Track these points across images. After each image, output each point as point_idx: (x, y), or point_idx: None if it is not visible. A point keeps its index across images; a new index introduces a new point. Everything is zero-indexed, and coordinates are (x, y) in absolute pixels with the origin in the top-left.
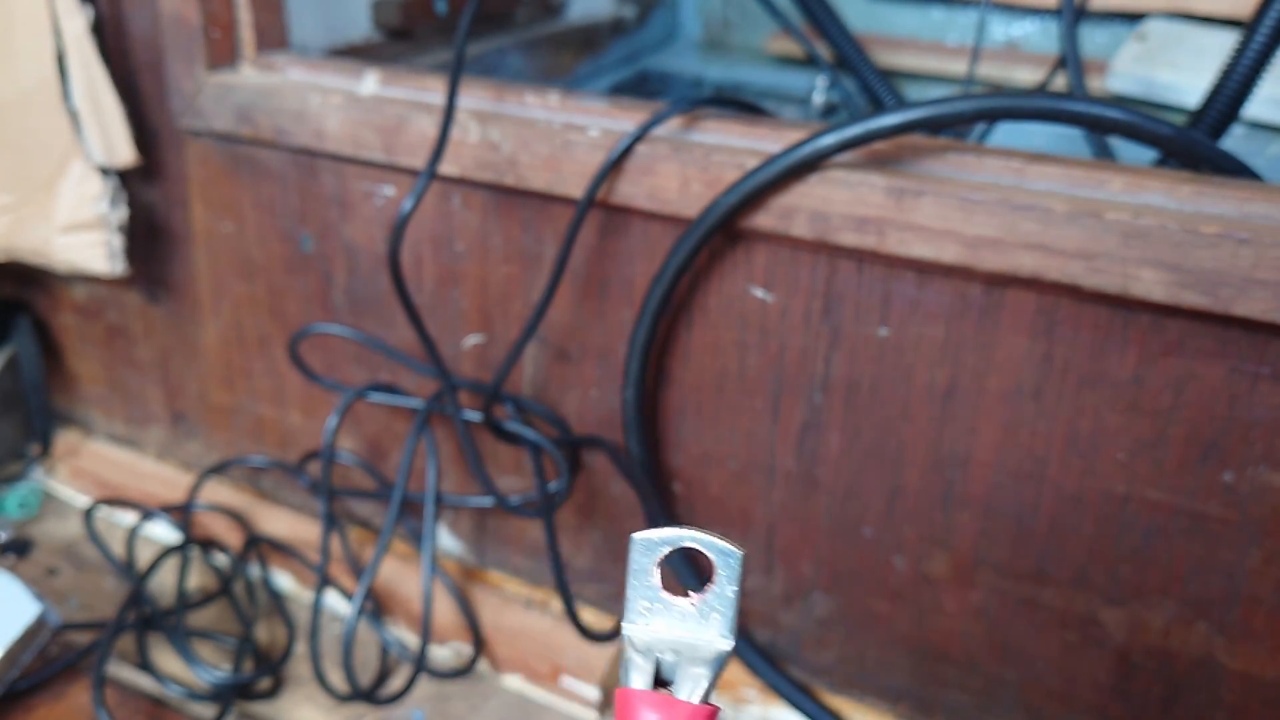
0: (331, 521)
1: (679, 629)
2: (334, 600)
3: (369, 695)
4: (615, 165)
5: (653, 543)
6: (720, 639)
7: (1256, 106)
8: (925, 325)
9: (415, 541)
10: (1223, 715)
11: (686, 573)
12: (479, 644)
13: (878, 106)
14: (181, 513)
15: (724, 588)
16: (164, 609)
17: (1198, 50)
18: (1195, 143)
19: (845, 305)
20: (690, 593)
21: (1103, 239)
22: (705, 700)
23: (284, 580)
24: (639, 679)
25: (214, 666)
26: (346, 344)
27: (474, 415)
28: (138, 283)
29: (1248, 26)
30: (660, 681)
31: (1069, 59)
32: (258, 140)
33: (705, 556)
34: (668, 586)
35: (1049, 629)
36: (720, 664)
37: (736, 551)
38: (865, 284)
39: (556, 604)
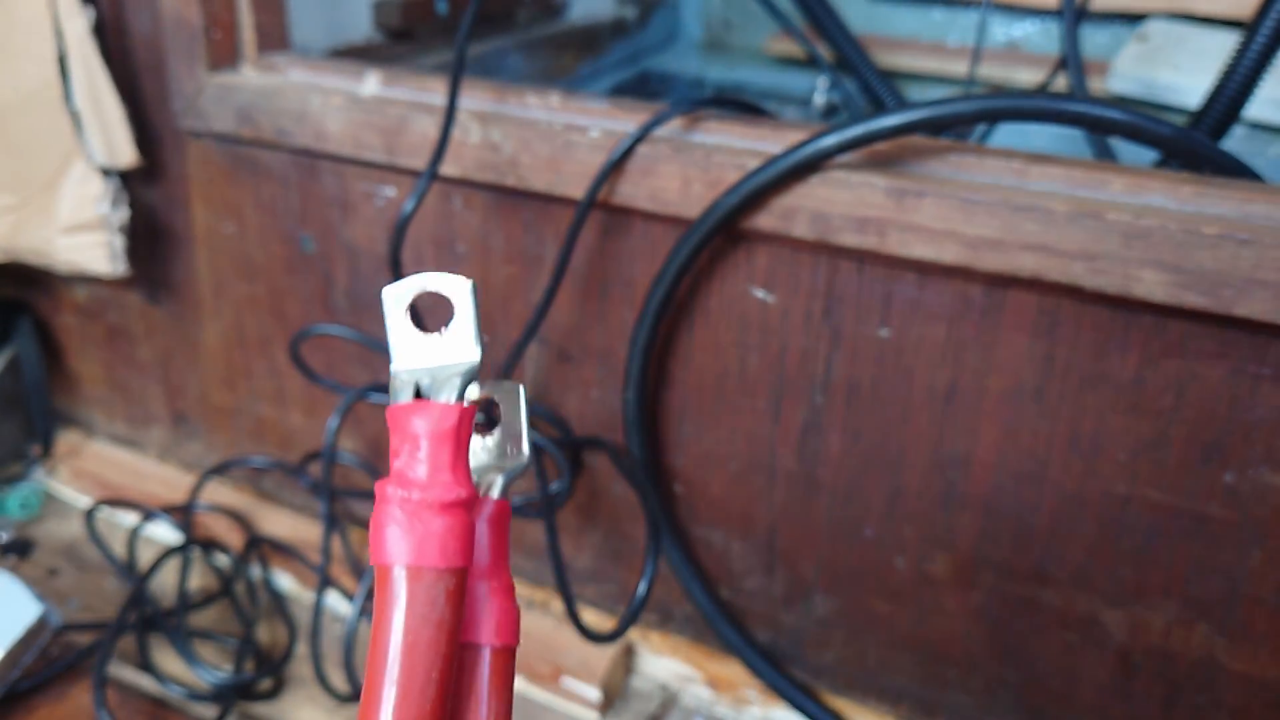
0: (333, 522)
1: (434, 357)
2: (335, 601)
3: None
4: (616, 166)
5: (394, 294)
6: (469, 354)
7: (1257, 107)
8: (926, 326)
9: None
10: (1223, 716)
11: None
12: None
13: (878, 107)
14: (183, 513)
15: (462, 315)
16: (165, 610)
17: (1198, 51)
18: (1196, 143)
19: (846, 306)
20: (441, 329)
21: (1104, 240)
22: (457, 402)
23: (285, 581)
24: (403, 397)
25: (215, 667)
26: (347, 345)
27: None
28: (139, 283)
29: (1248, 27)
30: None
31: (1070, 60)
32: (259, 141)
33: (443, 298)
34: (417, 324)
35: (1050, 629)
36: (470, 374)
37: (466, 281)
38: (866, 285)
39: (557, 605)
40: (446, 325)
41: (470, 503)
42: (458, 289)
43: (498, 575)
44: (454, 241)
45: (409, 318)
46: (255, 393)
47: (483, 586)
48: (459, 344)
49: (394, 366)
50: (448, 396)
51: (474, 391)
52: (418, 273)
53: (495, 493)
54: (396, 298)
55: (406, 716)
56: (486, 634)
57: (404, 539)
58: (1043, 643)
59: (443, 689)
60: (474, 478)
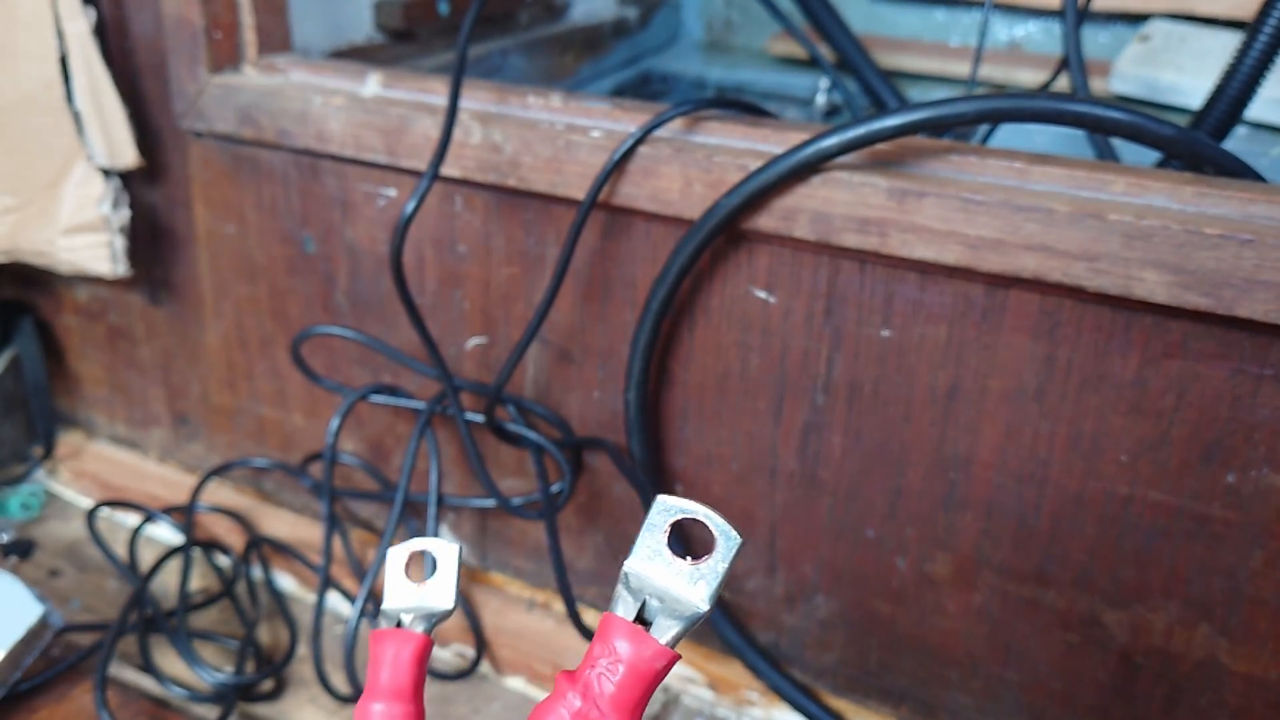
0: (334, 523)
1: (670, 582)
2: (336, 601)
3: None
4: (617, 167)
5: (673, 507)
6: (701, 601)
7: (1259, 108)
8: (927, 326)
9: None
10: (1225, 717)
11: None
12: (481, 646)
13: (880, 108)
14: (184, 514)
15: (718, 563)
16: (166, 610)
17: (1200, 52)
18: (1198, 144)
19: (847, 306)
20: (689, 558)
21: (1105, 240)
22: (672, 647)
23: (286, 581)
24: (624, 610)
25: (216, 668)
26: (348, 345)
27: (476, 417)
28: (140, 284)
29: (1250, 28)
30: (640, 620)
31: (1071, 60)
32: (260, 142)
33: (710, 533)
34: (672, 547)
35: (1051, 630)
36: (693, 622)
37: (737, 538)
38: (867, 285)
39: (559, 605)
40: (697, 561)
41: None
42: (727, 540)
43: (416, 702)
44: (455, 242)
45: (667, 533)
46: (256, 394)
47: (401, 710)
48: (699, 588)
49: (629, 566)
50: (664, 635)
51: (418, 545)
52: (419, 537)
53: (420, 629)
54: (666, 510)
55: None
56: None
57: None
58: (1044, 643)
59: None
60: (405, 616)
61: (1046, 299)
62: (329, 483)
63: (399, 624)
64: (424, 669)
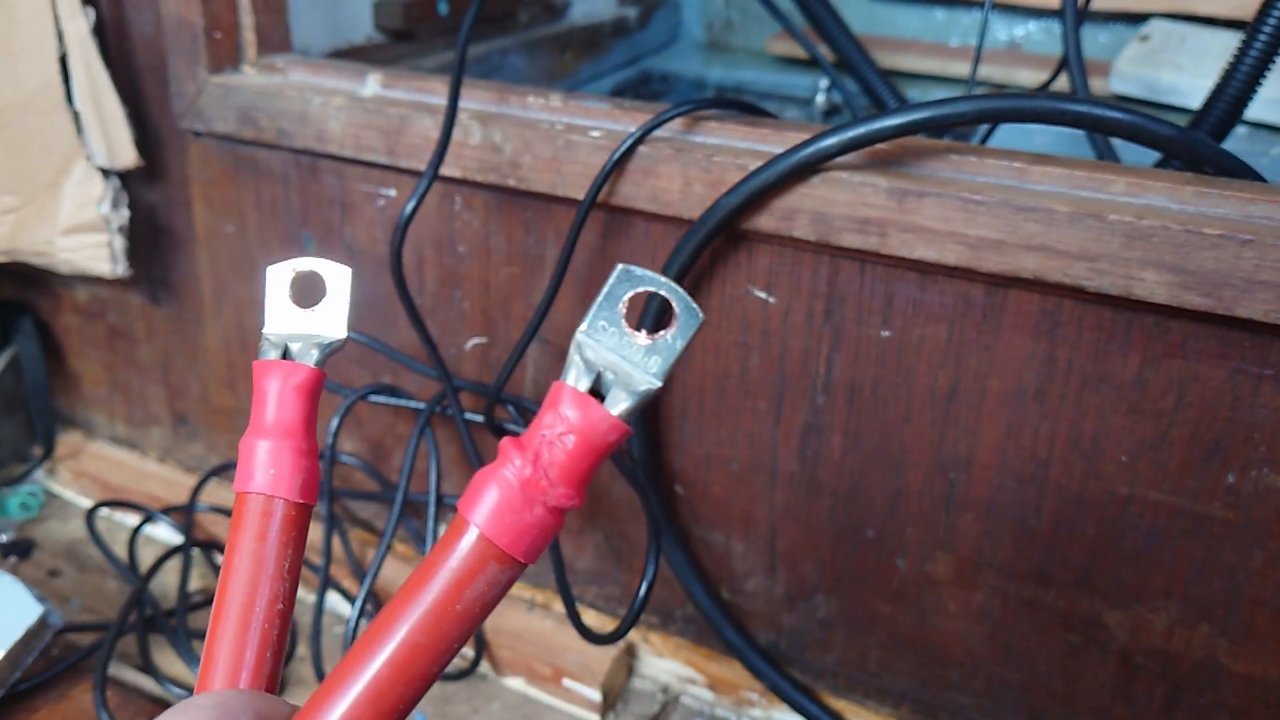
0: (333, 523)
1: (623, 355)
2: (336, 602)
3: None
4: (617, 166)
5: (634, 277)
6: (654, 377)
7: (1259, 108)
8: (928, 327)
9: (417, 543)
10: (1225, 717)
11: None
12: (481, 646)
13: (880, 108)
14: (183, 514)
15: (675, 339)
16: (166, 610)
17: (1200, 51)
18: (1198, 144)
19: (847, 307)
20: (644, 331)
21: (1105, 240)
22: (625, 422)
23: None
24: (576, 378)
25: None
26: (348, 345)
27: (476, 417)
28: (140, 284)
29: (1250, 28)
30: (594, 394)
31: (1071, 60)
32: (260, 142)
33: (671, 308)
34: (629, 320)
35: (1051, 630)
36: (645, 397)
37: (699, 315)
38: (867, 285)
39: (558, 606)
40: (655, 335)
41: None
42: (688, 316)
43: (306, 438)
44: (455, 242)
45: (625, 305)
46: None
47: (289, 446)
48: (653, 363)
49: (582, 336)
50: (614, 407)
51: (302, 264)
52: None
53: (311, 362)
54: (628, 279)
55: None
56: (289, 490)
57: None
58: (1044, 644)
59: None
60: (292, 345)
61: (1046, 299)
62: (329, 483)
63: (285, 354)
64: (315, 405)
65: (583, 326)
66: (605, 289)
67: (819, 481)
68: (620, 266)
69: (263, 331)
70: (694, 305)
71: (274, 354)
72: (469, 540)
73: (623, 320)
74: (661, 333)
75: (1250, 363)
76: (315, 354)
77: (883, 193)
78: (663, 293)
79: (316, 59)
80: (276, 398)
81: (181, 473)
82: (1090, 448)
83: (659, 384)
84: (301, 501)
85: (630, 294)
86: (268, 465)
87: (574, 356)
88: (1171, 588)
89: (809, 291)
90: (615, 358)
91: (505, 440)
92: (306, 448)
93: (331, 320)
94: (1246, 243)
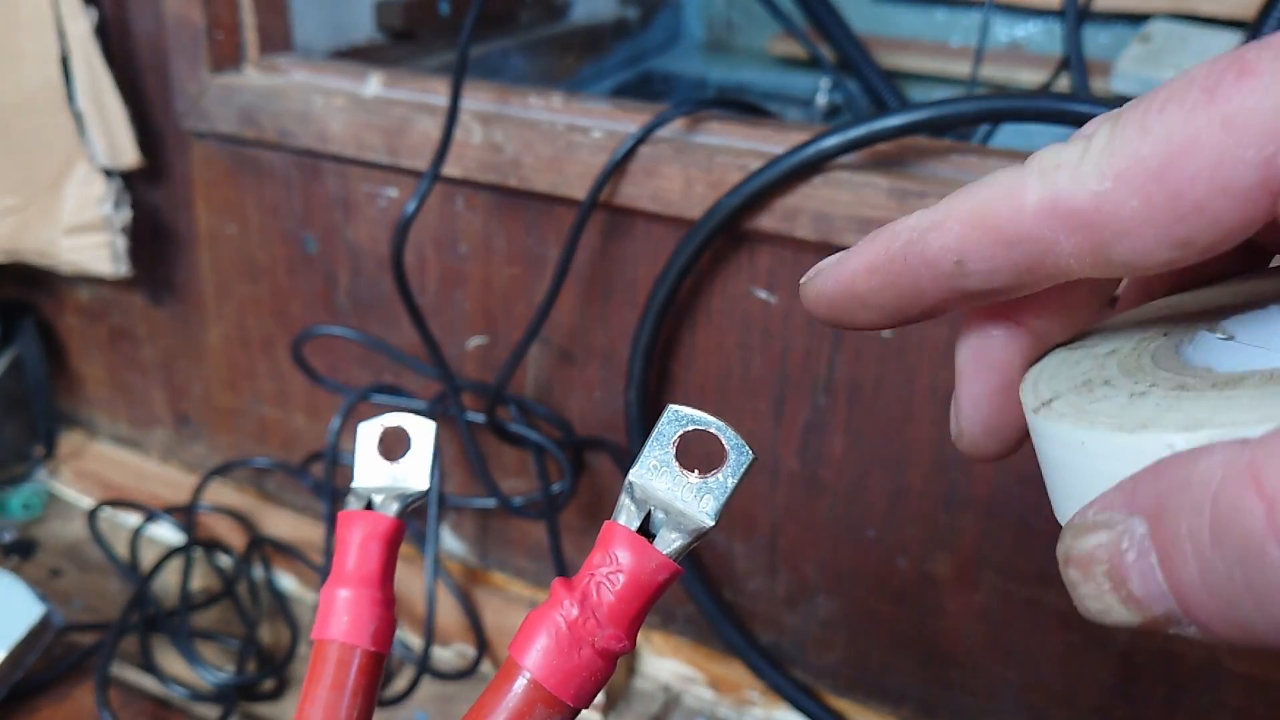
0: (334, 523)
1: (675, 494)
2: None
3: None
4: (618, 167)
5: (684, 416)
6: (707, 516)
7: None
8: (929, 326)
9: (418, 543)
10: (1226, 717)
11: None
12: (482, 645)
13: (881, 108)
14: (185, 514)
15: (727, 478)
16: (167, 610)
17: (1201, 51)
18: None
19: None
20: (696, 470)
21: None
22: (675, 560)
23: (287, 581)
24: (626, 519)
25: (217, 667)
26: (350, 345)
27: (477, 417)
28: (142, 284)
29: (1251, 28)
30: (644, 533)
31: (1072, 60)
32: (261, 142)
33: (721, 447)
34: (679, 459)
35: (1052, 630)
36: (697, 537)
37: (750, 454)
38: None
39: None
40: (705, 474)
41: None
42: (739, 454)
43: (384, 588)
44: (456, 242)
45: (676, 444)
46: (258, 394)
47: (367, 595)
48: (705, 503)
49: (634, 475)
50: (666, 548)
51: (390, 420)
52: (392, 412)
53: (392, 513)
54: (677, 419)
55: None
56: (364, 639)
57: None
58: (1045, 644)
59: None
60: (376, 497)
61: None
62: (330, 483)
63: (369, 505)
64: (394, 555)
65: (634, 468)
66: (655, 430)
67: (820, 481)
68: (670, 408)
69: (351, 485)
70: (743, 443)
71: (358, 505)
72: (519, 685)
73: (674, 460)
74: (713, 471)
75: None
76: (396, 505)
77: (884, 193)
78: (712, 431)
79: (318, 59)
80: (358, 547)
81: (183, 472)
82: None
83: (712, 523)
84: (375, 650)
85: (679, 433)
86: (345, 614)
87: (624, 498)
88: None
89: None
90: (667, 497)
91: (556, 581)
92: (384, 597)
93: (415, 472)
94: None
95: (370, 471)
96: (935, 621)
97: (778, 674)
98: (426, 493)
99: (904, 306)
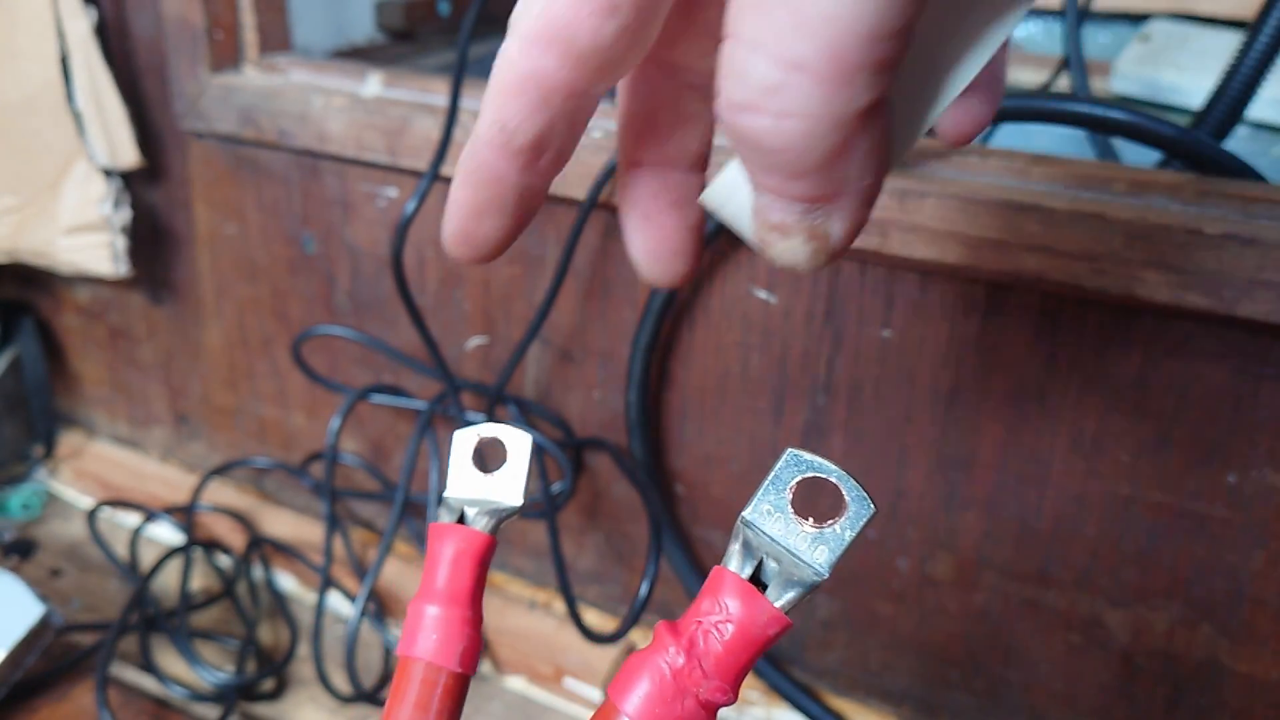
0: (334, 523)
1: (788, 543)
2: (337, 601)
3: (372, 696)
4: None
5: (804, 462)
6: (821, 567)
7: (1261, 108)
8: (929, 327)
9: (418, 543)
10: (1226, 717)
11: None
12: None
13: None
14: (184, 514)
15: (845, 530)
16: (167, 610)
17: (1202, 51)
18: (1199, 144)
19: (848, 307)
20: (811, 519)
21: (1106, 240)
22: (785, 613)
23: (287, 581)
24: (736, 566)
25: (217, 667)
26: (349, 345)
27: (477, 417)
28: (141, 284)
29: (1252, 27)
30: (754, 581)
31: (1072, 60)
32: (261, 142)
33: (840, 496)
34: (794, 505)
35: (1052, 631)
36: (810, 589)
37: (871, 507)
38: (868, 285)
39: (559, 606)
40: (821, 524)
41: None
42: (859, 506)
43: (473, 607)
44: None
45: (792, 490)
46: (257, 393)
47: (457, 615)
48: (819, 554)
49: (749, 516)
50: (778, 600)
51: (486, 430)
52: (487, 422)
53: (484, 528)
54: (796, 464)
55: None
56: (451, 660)
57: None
58: (1045, 644)
59: None
60: (468, 510)
61: (1047, 299)
62: (330, 483)
63: (461, 518)
64: (485, 573)
65: (747, 509)
66: (772, 473)
67: None
68: (789, 452)
69: (443, 495)
70: (865, 495)
71: (449, 518)
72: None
73: (789, 506)
74: (830, 522)
75: (1251, 363)
76: (487, 520)
77: (884, 192)
78: (833, 479)
79: (318, 59)
80: (450, 564)
81: (183, 472)
82: (1091, 448)
83: (825, 576)
84: (461, 671)
85: (797, 479)
86: (434, 632)
87: (735, 544)
88: (1172, 588)
89: (810, 292)
90: (779, 546)
91: (660, 625)
92: (472, 617)
93: (509, 487)
94: (1248, 243)
95: (463, 482)
96: (935, 622)
97: (778, 674)
98: (520, 509)
99: (501, 194)
